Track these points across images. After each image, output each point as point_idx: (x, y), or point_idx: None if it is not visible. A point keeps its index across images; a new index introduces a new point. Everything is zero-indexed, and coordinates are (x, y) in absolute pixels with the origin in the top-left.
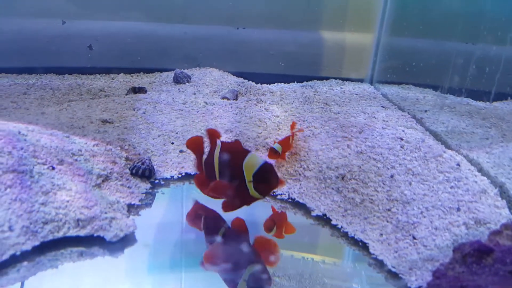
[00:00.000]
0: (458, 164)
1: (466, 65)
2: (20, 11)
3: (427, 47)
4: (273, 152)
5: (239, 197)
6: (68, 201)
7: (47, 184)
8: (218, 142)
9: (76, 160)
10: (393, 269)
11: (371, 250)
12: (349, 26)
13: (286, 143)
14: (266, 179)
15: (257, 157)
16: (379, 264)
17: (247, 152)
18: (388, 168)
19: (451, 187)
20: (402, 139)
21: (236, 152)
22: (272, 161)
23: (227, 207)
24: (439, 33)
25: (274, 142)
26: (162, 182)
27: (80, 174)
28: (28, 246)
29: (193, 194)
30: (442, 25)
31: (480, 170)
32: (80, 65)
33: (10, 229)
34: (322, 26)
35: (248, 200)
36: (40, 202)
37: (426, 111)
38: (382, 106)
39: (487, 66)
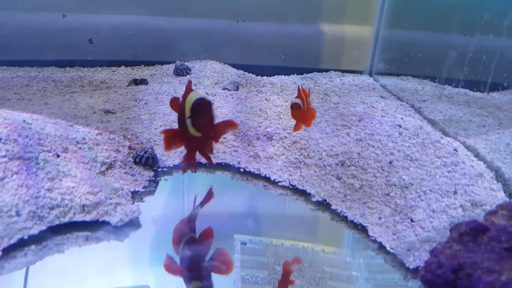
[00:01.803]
0: (455, 150)
1: (463, 56)
2: (21, 5)
3: (426, 39)
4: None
5: (181, 136)
6: (73, 187)
7: (52, 171)
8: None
9: (80, 148)
10: (391, 251)
11: (370, 233)
12: (349, 18)
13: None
14: (201, 113)
15: (197, 93)
16: (378, 246)
17: (191, 91)
18: (387, 155)
19: (448, 172)
20: (400, 126)
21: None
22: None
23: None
24: (438, 25)
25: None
26: (165, 170)
27: (85, 162)
28: (35, 231)
29: (195, 183)
30: (440, 18)
31: (477, 155)
32: (81, 58)
33: (18, 214)
34: (321, 18)
35: (188, 139)
36: (46, 188)
37: (424, 101)
38: (381, 97)
39: (484, 57)
